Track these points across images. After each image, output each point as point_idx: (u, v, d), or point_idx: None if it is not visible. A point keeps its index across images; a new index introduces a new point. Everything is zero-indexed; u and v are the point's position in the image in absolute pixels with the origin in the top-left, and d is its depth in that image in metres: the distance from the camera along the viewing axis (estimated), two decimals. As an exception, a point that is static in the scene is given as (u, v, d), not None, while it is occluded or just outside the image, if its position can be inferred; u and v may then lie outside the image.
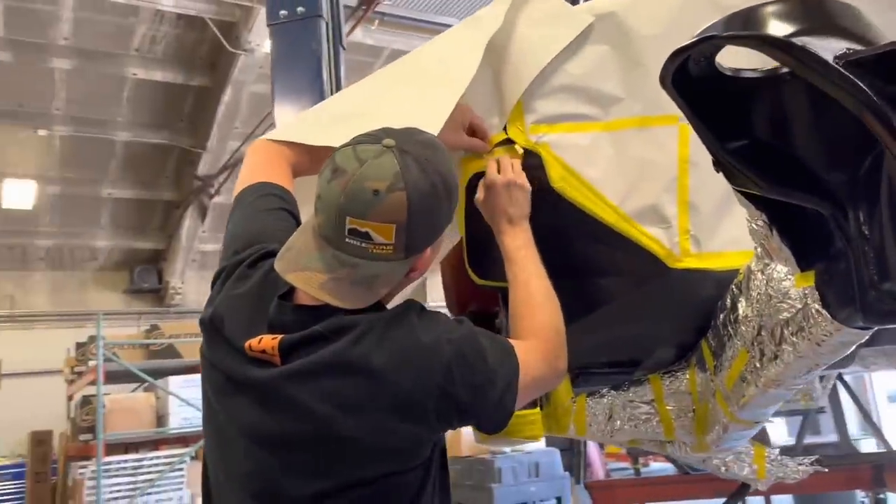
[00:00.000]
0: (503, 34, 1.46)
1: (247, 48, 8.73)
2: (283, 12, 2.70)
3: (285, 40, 2.71)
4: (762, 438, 2.41)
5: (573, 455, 4.71)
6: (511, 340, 1.25)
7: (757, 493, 2.06)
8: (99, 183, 11.44)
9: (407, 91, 1.45)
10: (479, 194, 1.46)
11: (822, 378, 2.59)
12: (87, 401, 7.94)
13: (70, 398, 9.17)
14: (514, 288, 1.36)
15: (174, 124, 10.89)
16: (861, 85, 0.71)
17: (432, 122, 1.28)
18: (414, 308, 1.18)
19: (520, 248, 1.39)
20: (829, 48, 0.76)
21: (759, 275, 1.22)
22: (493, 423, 1.20)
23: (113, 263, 12.65)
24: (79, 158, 11.06)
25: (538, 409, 1.54)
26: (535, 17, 1.45)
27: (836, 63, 0.75)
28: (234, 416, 1.17)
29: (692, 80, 0.97)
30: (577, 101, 1.46)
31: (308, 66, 2.67)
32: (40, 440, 8.98)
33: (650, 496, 3.49)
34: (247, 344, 1.13)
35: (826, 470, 1.83)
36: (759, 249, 1.19)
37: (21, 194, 10.96)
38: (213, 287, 1.29)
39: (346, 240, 1.11)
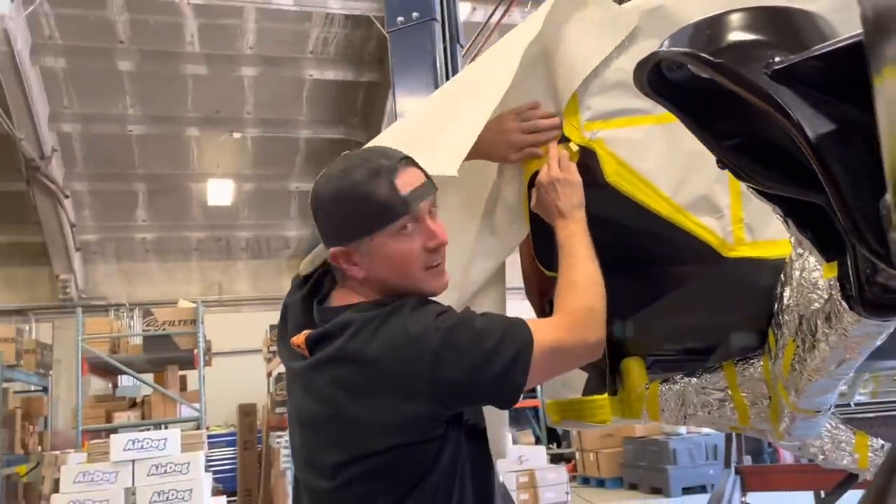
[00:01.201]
0: (555, 35, 1.52)
1: (408, 42, 9.08)
2: (399, 19, 2.89)
3: (403, 45, 2.89)
4: None
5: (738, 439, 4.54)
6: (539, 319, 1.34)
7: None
8: (286, 178, 12.48)
9: (443, 110, 1.57)
10: (532, 199, 1.54)
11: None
12: (280, 377, 8.75)
13: (269, 375, 10.15)
14: (560, 273, 1.44)
15: (349, 119, 11.61)
16: (775, 97, 0.73)
17: (462, 140, 1.39)
18: (409, 303, 1.30)
19: (568, 236, 1.46)
20: (763, 59, 0.78)
21: (795, 264, 1.21)
22: (502, 398, 1.30)
23: (303, 251, 13.69)
24: (268, 157, 12.13)
25: (606, 394, 1.59)
26: (586, 18, 1.50)
27: (765, 72, 0.77)
28: (291, 402, 1.42)
29: (677, 83, 1.00)
30: (629, 96, 1.49)
31: (424, 68, 2.84)
32: (246, 412, 10.05)
33: (802, 483, 3.33)
34: (291, 340, 1.34)
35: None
36: (792, 240, 1.18)
37: (222, 192, 12.23)
38: None
39: None
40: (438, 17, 2.88)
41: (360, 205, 1.29)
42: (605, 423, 1.59)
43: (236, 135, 11.55)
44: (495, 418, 1.88)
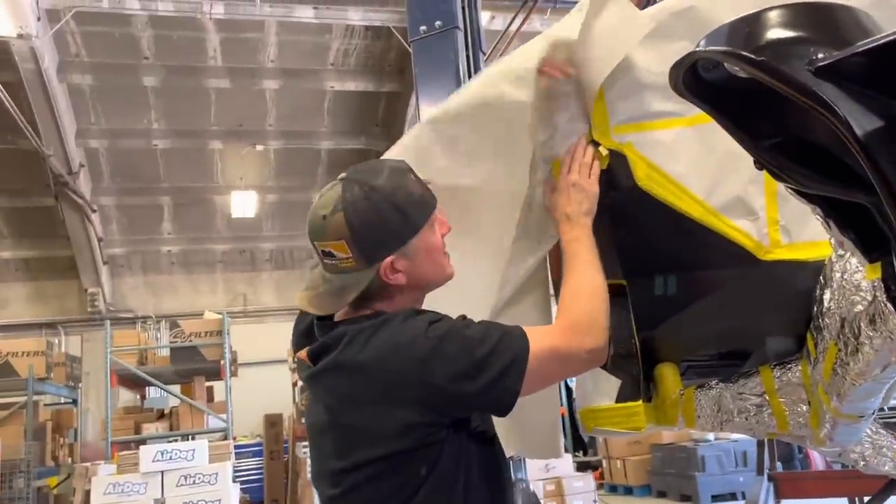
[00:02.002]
0: (580, 39, 1.51)
1: (428, 51, 9.12)
2: (422, 28, 2.90)
3: (426, 54, 2.90)
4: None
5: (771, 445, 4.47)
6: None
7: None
8: (309, 189, 12.55)
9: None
10: (546, 197, 1.54)
11: None
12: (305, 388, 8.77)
13: (294, 385, 10.19)
14: (563, 279, 1.44)
15: (370, 129, 11.67)
16: (821, 95, 0.72)
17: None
18: (402, 313, 1.32)
19: (571, 241, 1.45)
20: (805, 56, 0.76)
21: (836, 266, 1.19)
22: (496, 405, 1.30)
23: (326, 262, 13.80)
24: (291, 168, 12.22)
25: (640, 401, 1.57)
26: (608, 22, 1.48)
27: (808, 69, 0.75)
28: (306, 413, 1.47)
29: (713, 83, 0.99)
30: (659, 99, 1.47)
31: (448, 76, 2.85)
32: (272, 422, 10.09)
33: (837, 489, 3.27)
34: (297, 354, 1.42)
35: None
36: (833, 241, 1.16)
37: (245, 204, 12.33)
38: None
39: (324, 260, 1.35)
40: (461, 25, 2.89)
41: (407, 205, 1.33)
42: (640, 430, 1.56)
43: (259, 147, 11.65)
44: (547, 417, 1.87)
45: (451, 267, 1.44)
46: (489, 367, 1.25)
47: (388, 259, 1.33)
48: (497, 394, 1.27)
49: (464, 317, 1.36)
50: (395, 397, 1.26)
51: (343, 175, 1.36)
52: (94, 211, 11.48)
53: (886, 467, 1.69)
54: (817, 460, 7.57)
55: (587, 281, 1.40)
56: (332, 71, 10.73)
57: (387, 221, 1.31)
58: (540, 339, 1.31)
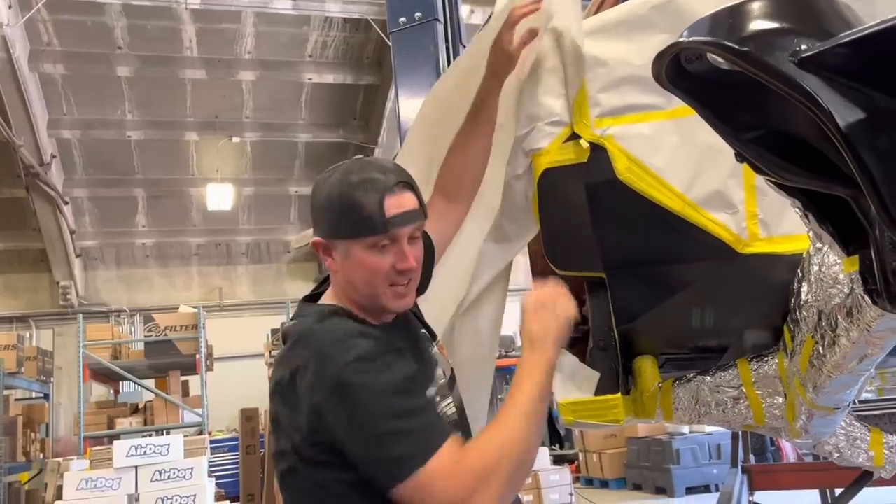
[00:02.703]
0: (562, 29, 1.51)
1: (406, 44, 9.08)
2: (402, 19, 2.87)
3: (405, 45, 2.87)
4: None
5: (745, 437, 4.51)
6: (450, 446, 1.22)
7: (884, 481, 1.93)
8: (286, 182, 12.46)
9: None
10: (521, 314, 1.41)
11: None
12: (282, 381, 8.71)
13: (270, 379, 10.10)
14: (503, 404, 1.31)
15: (348, 122, 11.60)
16: (805, 86, 0.72)
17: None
18: (339, 333, 1.30)
19: (524, 369, 1.33)
20: (788, 47, 0.76)
21: (814, 259, 1.20)
22: (376, 477, 1.21)
23: (303, 255, 13.72)
24: (267, 161, 12.11)
25: (619, 394, 1.58)
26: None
27: (791, 60, 0.75)
28: None
29: (696, 75, 0.98)
30: (639, 92, 1.47)
31: (427, 68, 2.83)
32: (248, 416, 10.00)
33: (809, 481, 3.31)
34: None
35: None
36: (811, 234, 1.17)
37: (221, 197, 12.20)
38: None
39: None
40: (441, 17, 2.87)
41: (346, 210, 1.33)
42: (619, 423, 1.57)
43: (235, 139, 11.53)
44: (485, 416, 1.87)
45: (394, 300, 1.37)
46: (384, 444, 1.19)
47: (318, 239, 1.39)
48: (379, 468, 1.21)
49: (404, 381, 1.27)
50: (298, 412, 1.26)
51: (359, 157, 1.45)
52: (66, 203, 11.29)
53: (860, 459, 1.72)
54: (789, 453, 7.68)
55: (512, 433, 1.25)
56: (309, 63, 10.65)
57: (328, 207, 1.36)
58: (435, 469, 1.18)
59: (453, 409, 1.41)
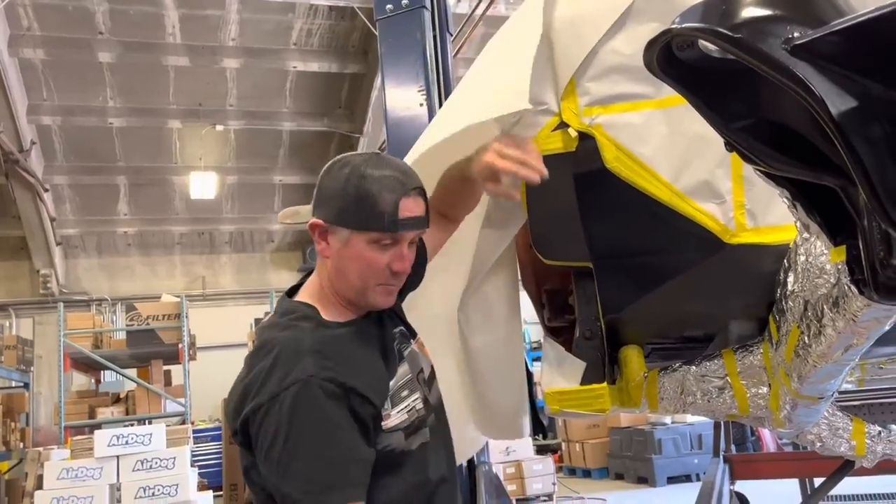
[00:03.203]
0: (552, 17, 1.50)
1: (392, 33, 9.03)
2: (388, 6, 2.85)
3: (391, 33, 2.85)
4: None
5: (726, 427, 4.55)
6: None
7: (865, 471, 1.95)
8: (270, 171, 12.37)
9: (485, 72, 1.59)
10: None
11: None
12: (265, 371, 8.67)
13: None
14: None
15: (333, 111, 11.53)
16: (797, 74, 0.71)
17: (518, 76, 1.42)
18: (297, 369, 1.28)
19: None
20: (781, 34, 0.76)
21: (801, 249, 1.20)
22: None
23: (287, 244, 13.66)
24: (251, 149, 12.02)
25: (605, 383, 1.58)
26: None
27: (784, 48, 0.75)
28: None
29: (687, 63, 0.98)
30: (629, 81, 1.47)
31: (414, 56, 2.80)
32: (231, 406, 9.96)
33: (790, 471, 3.35)
34: None
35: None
36: (798, 224, 1.17)
37: (204, 185, 12.11)
38: None
39: None
40: (428, 4, 2.84)
41: (361, 201, 1.33)
42: (605, 412, 1.57)
43: (219, 127, 11.42)
44: (512, 400, 1.88)
45: (379, 296, 1.40)
46: (284, 478, 1.23)
47: (319, 221, 1.37)
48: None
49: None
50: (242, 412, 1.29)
51: (384, 154, 1.44)
52: (46, 190, 11.15)
53: (842, 448, 1.73)
54: (769, 442, 7.77)
55: None
56: (294, 51, 10.56)
57: (338, 193, 1.35)
58: None
59: (421, 405, 1.41)
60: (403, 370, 1.42)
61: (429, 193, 1.50)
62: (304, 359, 1.28)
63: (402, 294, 1.59)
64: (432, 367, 1.52)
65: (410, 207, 1.35)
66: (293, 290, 1.49)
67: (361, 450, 1.27)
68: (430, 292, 1.81)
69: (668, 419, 8.81)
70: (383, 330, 1.45)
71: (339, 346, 1.34)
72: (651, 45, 0.90)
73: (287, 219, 1.66)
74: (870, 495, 4.60)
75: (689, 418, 8.77)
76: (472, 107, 1.61)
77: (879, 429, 1.73)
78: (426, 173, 1.45)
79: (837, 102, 0.71)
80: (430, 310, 1.84)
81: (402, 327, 1.52)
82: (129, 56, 10.08)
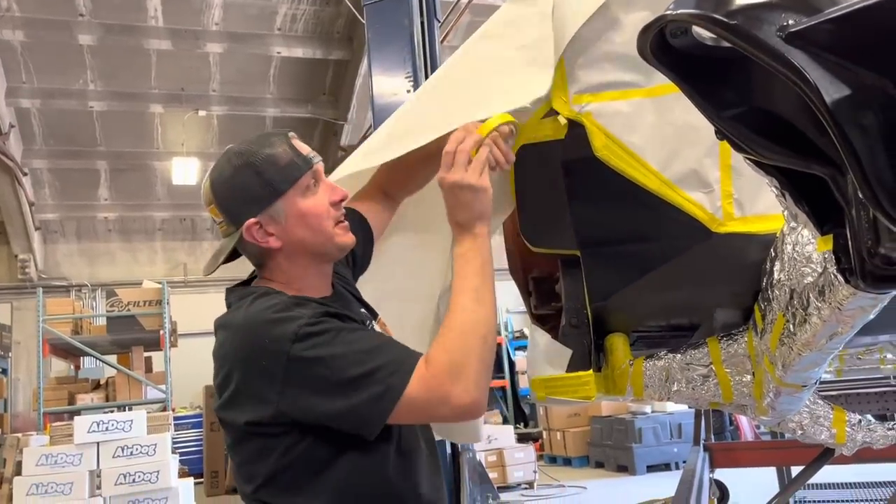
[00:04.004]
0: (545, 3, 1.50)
1: (378, 20, 8.97)
2: (376, -8, 2.83)
3: (379, 18, 2.83)
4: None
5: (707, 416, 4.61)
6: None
7: (844, 459, 1.98)
8: (253, 157, 12.25)
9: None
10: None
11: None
12: (247, 358, 8.64)
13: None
14: (452, 295, 1.32)
15: (317, 98, 11.45)
16: (792, 61, 0.71)
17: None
18: (275, 301, 1.30)
19: (460, 256, 1.34)
20: (775, 22, 0.76)
21: (788, 239, 1.21)
22: (354, 429, 1.24)
23: (270, 232, 13.56)
24: (234, 135, 11.89)
25: (590, 371, 1.58)
26: None
27: (778, 35, 0.75)
28: None
29: (680, 51, 0.98)
30: (619, 69, 1.47)
31: (401, 41, 2.78)
32: (213, 393, 9.94)
33: (769, 459, 3.39)
34: None
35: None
36: (786, 213, 1.18)
37: (187, 171, 12.00)
38: None
39: (217, 227, 1.39)
40: (417, -10, 2.83)
41: (266, 169, 1.32)
42: (590, 399, 1.58)
43: (202, 112, 11.31)
44: None
45: (344, 235, 1.39)
46: (356, 390, 1.20)
47: (252, 221, 1.32)
48: (355, 421, 1.23)
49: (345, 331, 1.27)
50: (255, 396, 1.24)
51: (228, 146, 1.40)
52: (25, 174, 10.99)
53: (823, 436, 1.76)
54: (746, 431, 7.87)
55: (464, 317, 1.27)
56: (278, 36, 10.45)
57: (244, 184, 1.32)
58: (410, 381, 1.22)
59: None
60: None
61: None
62: (291, 312, 1.25)
63: (355, 274, 1.61)
64: None
65: (301, 146, 1.37)
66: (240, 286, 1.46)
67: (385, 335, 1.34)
68: (405, 279, 1.81)
69: (647, 408, 8.89)
70: (351, 310, 1.44)
71: (319, 299, 1.34)
72: (645, 31, 0.90)
73: (213, 267, 1.51)
74: (844, 484, 4.69)
75: (670, 407, 8.86)
76: (476, 99, 1.59)
77: (860, 417, 1.75)
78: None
79: (831, 90, 0.72)
80: (403, 298, 1.84)
81: (363, 308, 1.51)
82: (111, 39, 9.94)
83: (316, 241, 1.36)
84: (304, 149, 1.37)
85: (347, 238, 1.40)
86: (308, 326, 1.22)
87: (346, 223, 1.41)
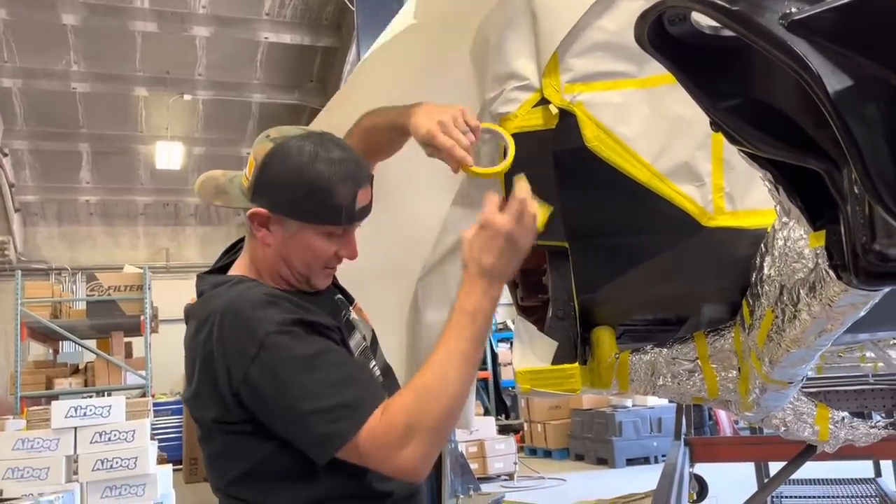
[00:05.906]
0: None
1: (367, 7, 8.90)
2: (367, -25, 2.79)
3: (368, 6, 2.81)
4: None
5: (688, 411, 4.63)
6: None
7: (826, 455, 1.99)
8: (238, 143, 12.17)
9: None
10: (469, 230, 1.26)
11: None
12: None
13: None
14: (437, 346, 1.22)
15: (304, 84, 11.35)
16: (795, 49, 0.70)
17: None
18: (257, 299, 1.26)
19: (467, 312, 1.22)
20: (778, 9, 0.74)
21: (779, 234, 1.20)
22: (313, 448, 1.20)
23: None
24: (220, 120, 11.81)
25: (576, 363, 1.57)
26: None
27: (780, 23, 0.73)
28: None
29: (677, 39, 0.96)
30: (612, 59, 1.45)
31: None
32: (192, 380, 9.87)
33: (749, 455, 3.41)
34: None
35: (902, 434, 1.75)
36: (778, 208, 1.17)
37: (170, 155, 11.89)
38: None
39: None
40: (408, -25, 2.79)
41: (317, 195, 1.27)
42: (576, 392, 1.57)
43: (187, 97, 11.19)
44: None
45: (322, 279, 1.36)
46: (303, 426, 1.17)
47: (264, 211, 1.29)
48: (302, 448, 1.20)
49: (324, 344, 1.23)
50: (218, 388, 1.22)
51: (324, 132, 1.34)
52: (5, 155, 10.84)
53: (806, 433, 1.76)
54: (726, 427, 7.92)
55: (439, 382, 1.17)
56: (266, 21, 10.35)
57: (292, 186, 1.27)
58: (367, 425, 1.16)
59: (378, 373, 1.40)
60: (358, 339, 1.40)
61: (342, 133, 1.46)
62: (265, 311, 1.22)
63: None
64: (373, 332, 1.50)
65: (364, 197, 1.32)
66: (216, 272, 1.43)
67: (355, 361, 1.29)
68: (383, 261, 1.79)
69: (628, 402, 8.94)
70: (326, 298, 1.41)
71: (293, 299, 1.29)
72: (643, 17, 0.88)
73: (210, 196, 1.40)
74: (821, 480, 4.73)
75: (650, 402, 8.91)
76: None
77: (843, 414, 1.75)
78: (346, 114, 1.45)
79: (834, 81, 0.70)
80: (381, 280, 1.83)
81: (339, 295, 1.49)
82: (95, 19, 9.79)
83: (297, 271, 1.34)
84: (363, 201, 1.31)
85: (324, 282, 1.38)
86: (275, 335, 1.19)
87: (333, 271, 1.39)
